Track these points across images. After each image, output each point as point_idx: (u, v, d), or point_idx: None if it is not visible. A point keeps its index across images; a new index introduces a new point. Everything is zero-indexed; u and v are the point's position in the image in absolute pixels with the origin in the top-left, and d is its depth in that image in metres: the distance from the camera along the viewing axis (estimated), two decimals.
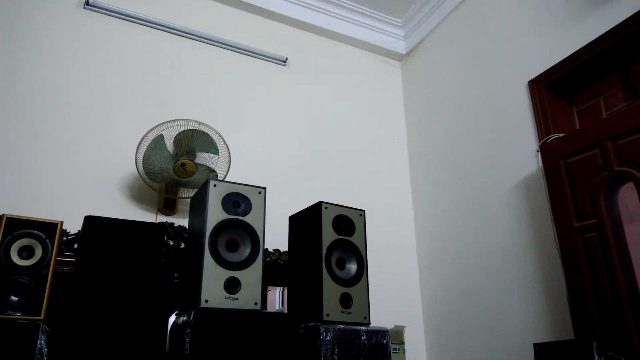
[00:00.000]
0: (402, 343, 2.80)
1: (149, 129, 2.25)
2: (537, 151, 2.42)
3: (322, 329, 1.87)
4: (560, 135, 2.31)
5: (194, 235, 1.97)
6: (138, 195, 2.40)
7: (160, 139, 2.24)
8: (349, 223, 2.17)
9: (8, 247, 1.60)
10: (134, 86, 2.63)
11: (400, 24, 3.63)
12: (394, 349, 2.71)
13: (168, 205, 2.42)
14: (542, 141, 2.38)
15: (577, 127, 2.48)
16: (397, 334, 2.78)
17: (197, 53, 2.89)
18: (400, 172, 3.32)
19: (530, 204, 2.46)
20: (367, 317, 2.05)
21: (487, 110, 2.84)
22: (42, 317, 1.59)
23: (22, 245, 1.63)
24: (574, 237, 2.10)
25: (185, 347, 1.64)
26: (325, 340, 1.86)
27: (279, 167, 2.88)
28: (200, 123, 2.31)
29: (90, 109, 2.47)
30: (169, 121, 2.28)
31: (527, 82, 2.59)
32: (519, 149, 2.56)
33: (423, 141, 3.32)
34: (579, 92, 2.50)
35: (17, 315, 1.55)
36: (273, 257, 2.56)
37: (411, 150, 3.39)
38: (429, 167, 3.21)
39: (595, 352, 1.70)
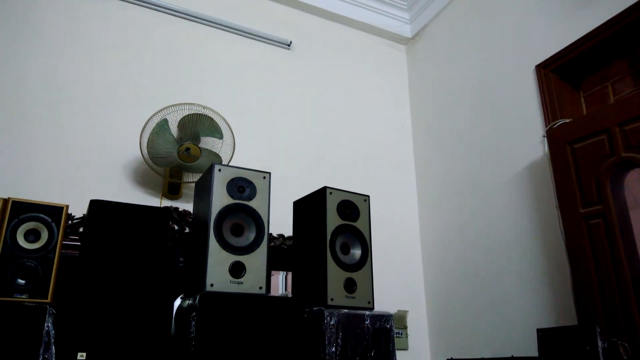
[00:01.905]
0: (405, 328, 2.82)
1: (153, 113, 2.24)
2: (544, 137, 2.40)
3: (326, 314, 1.88)
4: (567, 120, 2.30)
5: (198, 219, 1.97)
6: (142, 179, 2.40)
7: (164, 123, 2.23)
8: (353, 208, 2.17)
9: (14, 230, 1.60)
10: (137, 70, 2.61)
11: (405, 7, 3.58)
12: (397, 333, 2.73)
13: (172, 190, 2.42)
14: (548, 127, 2.36)
15: (584, 112, 2.45)
16: (400, 319, 2.80)
17: (201, 36, 2.86)
18: (404, 157, 3.31)
19: (536, 190, 2.45)
20: (371, 301, 2.06)
21: (493, 96, 2.81)
22: (48, 300, 1.60)
23: (28, 228, 1.63)
24: (579, 223, 2.09)
25: (191, 330, 1.65)
26: (330, 325, 1.87)
27: (283, 152, 2.87)
28: (204, 107, 2.30)
29: (94, 93, 2.46)
30: (173, 105, 2.26)
31: (534, 67, 2.56)
32: (525, 134, 2.54)
33: (428, 126, 3.30)
34: (587, 77, 2.47)
35: (24, 298, 1.56)
36: (277, 242, 2.57)
37: (416, 135, 3.38)
38: (433, 152, 3.20)
39: (598, 338, 1.70)
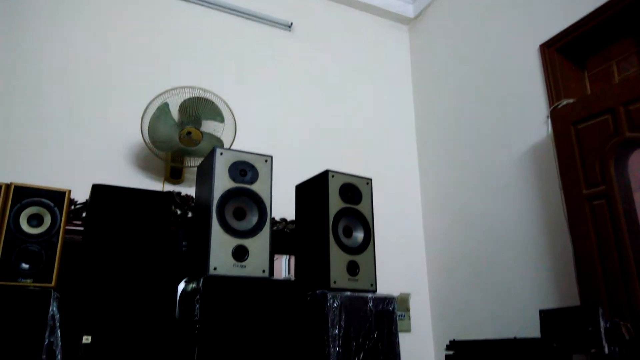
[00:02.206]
0: (408, 310, 2.84)
1: (153, 96, 2.23)
2: (547, 117, 2.38)
3: (329, 296, 1.89)
4: (571, 100, 2.27)
5: (201, 203, 1.97)
6: (144, 164, 2.40)
7: (165, 107, 2.21)
8: (355, 191, 2.17)
9: (17, 215, 1.61)
10: (137, 53, 2.58)
11: None
12: (399, 315, 2.75)
13: (175, 174, 2.42)
14: (552, 107, 2.34)
15: (589, 92, 2.43)
16: (403, 302, 2.82)
17: (201, 18, 2.83)
18: (407, 139, 3.29)
19: (539, 172, 2.44)
20: (374, 284, 2.07)
21: (496, 76, 2.78)
22: (53, 284, 1.61)
23: (31, 213, 1.64)
24: (582, 204, 2.08)
25: (195, 313, 1.66)
26: (333, 307, 1.88)
27: (284, 135, 2.85)
28: (205, 90, 2.28)
29: (94, 77, 2.44)
30: (173, 89, 2.25)
31: (538, 46, 2.52)
32: (528, 115, 2.52)
33: (430, 107, 3.27)
34: (592, 56, 2.44)
35: (28, 282, 1.57)
36: (280, 226, 2.57)
37: (418, 116, 3.35)
38: (436, 135, 3.18)
39: (601, 318, 1.71)
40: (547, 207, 2.36)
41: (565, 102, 2.30)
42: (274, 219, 2.51)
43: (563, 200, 2.19)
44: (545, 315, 1.91)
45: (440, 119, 3.17)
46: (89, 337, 1.56)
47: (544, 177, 2.40)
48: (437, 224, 3.02)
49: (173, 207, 2.28)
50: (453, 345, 2.28)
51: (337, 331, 1.85)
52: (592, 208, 2.05)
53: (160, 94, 2.23)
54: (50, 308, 1.54)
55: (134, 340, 1.64)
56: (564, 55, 2.46)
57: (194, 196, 2.28)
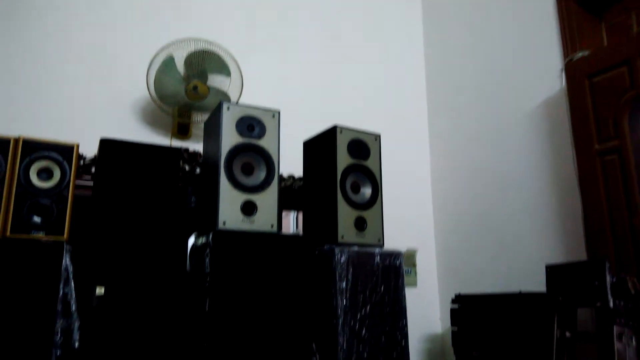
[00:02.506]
0: (414, 265, 2.88)
1: (158, 49, 2.19)
2: (562, 70, 2.32)
3: (337, 251, 1.91)
4: (587, 52, 2.21)
5: (209, 159, 1.97)
6: (152, 119, 2.38)
7: (170, 61, 2.17)
8: (364, 147, 2.15)
9: (27, 169, 1.61)
10: (143, 4, 2.52)
11: None
12: (405, 271, 2.79)
13: (182, 130, 2.41)
14: (567, 59, 2.28)
15: (606, 44, 2.35)
16: (410, 257, 2.85)
17: None
18: (416, 94, 3.24)
19: (551, 126, 2.40)
20: (381, 239, 2.09)
21: (510, 27, 2.69)
22: (65, 237, 1.63)
23: (40, 167, 1.64)
24: (593, 159, 2.06)
25: (205, 266, 1.69)
26: (340, 261, 1.90)
27: (292, 91, 2.81)
28: (210, 43, 2.23)
29: (98, 30, 2.39)
30: (178, 41, 2.20)
31: None
32: (542, 68, 2.46)
33: (441, 61, 3.20)
34: (609, 7, 2.35)
35: (41, 235, 1.59)
36: (288, 183, 2.57)
37: (429, 71, 3.28)
38: (446, 89, 3.12)
39: (607, 273, 1.72)
40: (557, 163, 2.34)
41: (580, 54, 2.23)
42: (281, 175, 2.51)
43: (574, 155, 2.17)
44: (552, 270, 1.93)
45: (451, 73, 3.10)
46: (103, 288, 1.59)
47: (555, 133, 2.37)
48: (445, 179, 3.01)
49: (181, 163, 2.28)
50: (458, 299, 2.32)
51: (344, 284, 1.88)
52: (604, 163, 2.03)
53: (165, 47, 2.19)
54: (64, 260, 1.57)
55: (146, 291, 1.68)
56: (581, 5, 2.37)
57: (201, 152, 2.28)
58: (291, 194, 2.56)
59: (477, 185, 2.78)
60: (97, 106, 2.30)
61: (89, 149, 2.06)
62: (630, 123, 1.98)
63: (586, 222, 2.09)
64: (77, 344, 1.51)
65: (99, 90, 2.32)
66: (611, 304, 1.68)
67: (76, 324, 1.53)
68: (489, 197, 2.70)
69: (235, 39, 2.64)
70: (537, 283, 2.09)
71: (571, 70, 2.22)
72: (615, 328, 1.65)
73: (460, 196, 2.88)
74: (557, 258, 2.24)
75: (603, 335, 1.74)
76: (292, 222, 2.80)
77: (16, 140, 1.63)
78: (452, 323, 2.30)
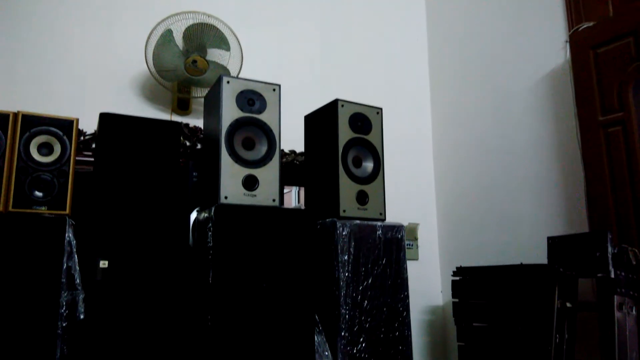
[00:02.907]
0: (416, 239, 2.89)
1: (156, 22, 2.16)
2: (566, 42, 2.29)
3: (338, 224, 1.91)
4: (592, 24, 2.17)
5: (209, 133, 1.96)
6: (151, 95, 2.37)
7: (168, 34, 2.15)
8: (365, 121, 2.14)
9: (27, 143, 1.61)
10: None
11: None
12: (407, 244, 2.80)
13: (182, 105, 2.39)
14: (572, 30, 2.24)
15: (611, 14, 2.31)
16: (411, 231, 2.86)
17: None
18: (419, 67, 3.20)
19: (554, 99, 2.37)
20: (383, 213, 2.09)
21: None
22: (67, 211, 1.64)
23: (40, 142, 1.64)
24: (597, 131, 2.05)
25: (208, 240, 1.69)
26: (342, 235, 1.91)
27: (292, 65, 2.78)
28: (209, 16, 2.20)
29: (98, 3, 2.36)
30: (176, 14, 2.17)
31: None
32: (547, 39, 2.42)
33: (443, 33, 3.15)
34: None
35: (43, 209, 1.60)
36: (289, 158, 2.57)
37: (431, 44, 3.23)
38: (449, 62, 3.08)
39: (609, 244, 1.72)
40: (560, 136, 2.33)
41: (585, 25, 2.19)
42: (283, 150, 2.50)
43: (577, 127, 2.15)
44: (553, 242, 1.93)
45: (453, 45, 3.06)
46: (106, 262, 1.60)
47: (559, 105, 2.34)
48: (447, 153, 3.00)
49: (182, 138, 2.27)
50: (460, 271, 2.33)
51: (346, 257, 1.89)
52: (607, 135, 2.01)
53: (163, 20, 2.16)
54: (66, 234, 1.58)
55: (150, 265, 1.69)
56: None
57: (202, 128, 2.27)
58: (293, 170, 2.56)
59: (479, 159, 2.77)
60: (96, 82, 2.28)
61: (89, 126, 2.05)
62: (634, 94, 1.96)
63: (589, 195, 2.09)
64: (82, 316, 1.53)
65: (99, 66, 2.30)
66: (612, 275, 1.69)
67: (81, 297, 1.55)
68: (491, 171, 2.69)
69: (235, 12, 2.60)
70: (539, 256, 2.10)
71: (576, 41, 2.19)
72: (615, 298, 1.67)
73: (462, 170, 2.87)
74: (560, 231, 2.24)
75: (603, 305, 1.76)
76: (294, 198, 2.80)
77: (15, 115, 1.62)
78: (453, 295, 2.32)
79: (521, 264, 2.07)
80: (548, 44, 2.42)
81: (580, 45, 2.16)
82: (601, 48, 2.08)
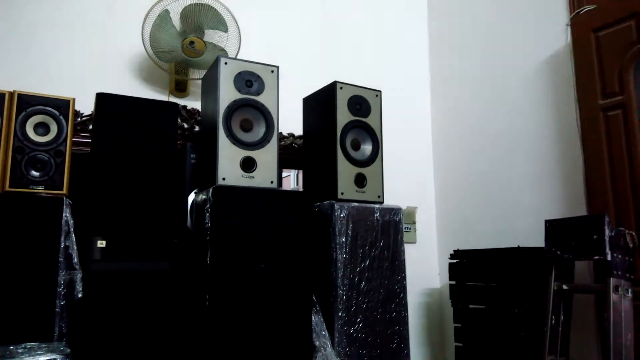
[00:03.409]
0: (414, 223, 2.89)
1: (153, 3, 2.13)
2: (567, 25, 2.27)
3: (336, 206, 1.92)
4: (594, 6, 2.15)
5: (207, 115, 1.95)
6: (148, 76, 2.35)
7: (165, 14, 2.12)
8: (364, 104, 2.13)
9: (23, 123, 1.60)
10: None
11: None
12: (405, 228, 2.80)
13: (179, 87, 2.37)
14: (573, 14, 2.22)
15: None
16: (409, 215, 2.86)
17: None
18: (418, 50, 3.17)
19: (555, 83, 2.36)
20: (381, 196, 2.09)
21: None
22: (64, 191, 1.63)
23: (37, 122, 1.63)
24: (597, 114, 2.04)
25: (206, 221, 1.70)
26: (340, 217, 1.91)
27: (291, 46, 2.75)
28: None
29: None
30: None
31: None
32: (548, 23, 2.40)
33: (444, 15, 3.12)
34: None
35: (40, 189, 1.60)
36: (288, 141, 2.56)
37: (431, 26, 3.20)
38: (449, 46, 3.05)
39: (606, 227, 1.73)
40: (560, 119, 2.32)
41: (587, 8, 2.17)
42: (281, 133, 2.49)
43: (577, 111, 2.15)
44: (551, 225, 1.94)
45: (453, 28, 3.03)
46: (104, 242, 1.60)
47: (559, 89, 2.33)
48: (446, 137, 2.99)
49: (180, 120, 2.26)
50: (457, 254, 2.34)
51: (343, 239, 1.90)
52: (607, 119, 2.01)
53: (160, 0, 2.13)
54: (64, 214, 1.58)
55: (147, 245, 1.69)
56: None
57: (200, 110, 2.25)
58: (291, 152, 2.55)
59: (478, 142, 2.76)
60: (93, 64, 2.25)
61: (86, 107, 2.04)
62: (635, 78, 1.95)
63: (587, 178, 2.09)
64: (80, 295, 1.53)
65: (96, 47, 2.27)
66: (609, 257, 1.70)
67: (78, 276, 1.55)
68: (489, 154, 2.69)
69: None
70: (536, 239, 2.10)
71: (577, 24, 2.17)
72: (611, 280, 1.68)
73: (461, 153, 2.87)
74: (558, 214, 2.24)
75: (600, 288, 1.77)
76: (292, 182, 2.80)
77: (11, 94, 1.61)
78: (451, 277, 2.34)
79: (518, 246, 2.08)
80: (549, 27, 2.40)
81: (581, 28, 2.14)
82: (602, 31, 2.07)
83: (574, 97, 2.19)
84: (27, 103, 1.61)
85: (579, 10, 2.21)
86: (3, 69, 2.08)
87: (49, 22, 2.21)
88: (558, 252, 1.87)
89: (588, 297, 2.06)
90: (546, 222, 1.96)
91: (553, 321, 1.86)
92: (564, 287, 1.87)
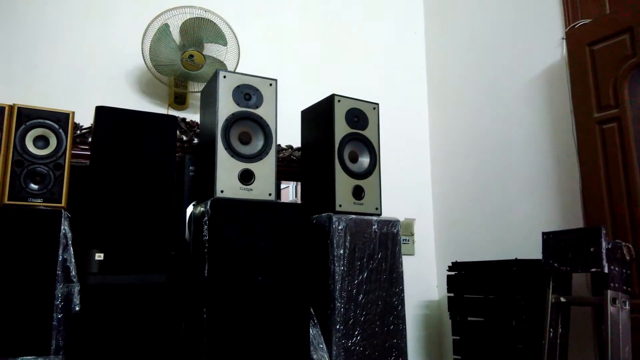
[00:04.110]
0: (412, 235, 2.89)
1: (153, 17, 2.15)
2: (562, 39, 2.29)
3: (334, 218, 1.92)
4: (589, 20, 2.18)
5: (206, 128, 1.96)
6: (147, 89, 2.36)
7: (165, 29, 2.14)
8: (362, 116, 2.15)
9: (23, 136, 1.61)
10: None
11: None
12: (403, 240, 2.80)
13: (179, 100, 2.39)
14: (568, 28, 2.25)
15: (608, 12, 2.31)
16: (407, 226, 2.86)
17: None
18: (416, 63, 3.20)
19: (551, 96, 2.38)
20: (379, 208, 2.10)
21: None
22: (63, 204, 1.64)
23: (36, 135, 1.64)
24: (592, 128, 2.06)
25: (204, 233, 1.70)
26: (338, 229, 1.92)
27: (289, 60, 2.78)
28: (206, 10, 2.19)
29: None
30: (173, 8, 2.16)
31: None
32: (543, 37, 2.43)
33: (441, 30, 3.15)
34: None
35: (39, 202, 1.60)
36: (286, 153, 2.57)
37: (429, 40, 3.24)
38: (446, 58, 3.08)
39: (603, 239, 1.73)
40: (556, 132, 2.33)
41: (581, 22, 2.20)
42: (279, 145, 2.51)
43: (573, 124, 2.16)
44: (548, 237, 1.94)
45: (450, 41, 3.06)
46: (102, 254, 1.61)
47: (555, 101, 2.35)
48: (444, 149, 3.01)
49: (179, 133, 2.27)
50: (455, 266, 2.34)
51: (342, 251, 1.90)
52: (603, 132, 2.02)
53: (160, 14, 2.15)
54: (62, 227, 1.58)
55: (144, 259, 1.69)
56: None
57: (199, 122, 2.27)
58: (290, 165, 2.56)
59: (475, 155, 2.78)
60: (93, 77, 2.27)
61: (85, 119, 2.05)
62: (630, 91, 1.97)
63: (584, 190, 2.10)
64: (77, 308, 1.53)
65: (95, 60, 2.29)
66: (606, 270, 1.70)
67: (76, 289, 1.55)
68: (487, 166, 2.70)
69: (232, 7, 2.59)
70: (534, 251, 2.11)
71: (572, 38, 2.20)
72: (609, 292, 1.68)
73: (459, 166, 2.88)
74: (555, 226, 2.25)
75: (597, 300, 1.77)
76: (291, 193, 2.81)
77: (11, 108, 1.62)
78: (449, 289, 2.33)
79: (516, 259, 2.08)
80: (544, 41, 2.42)
81: (576, 42, 2.17)
82: (597, 45, 2.09)
83: (570, 110, 2.20)
84: (27, 116, 1.62)
85: (573, 24, 2.24)
86: (3, 81, 2.10)
87: (49, 35, 2.23)
88: (555, 265, 1.88)
89: (586, 309, 2.06)
90: (543, 234, 1.97)
91: (551, 334, 1.86)
92: (562, 299, 1.87)
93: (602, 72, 2.05)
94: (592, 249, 1.76)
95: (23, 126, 1.61)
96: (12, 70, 2.14)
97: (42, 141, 1.64)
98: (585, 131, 2.09)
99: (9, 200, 1.57)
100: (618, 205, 1.94)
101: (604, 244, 1.73)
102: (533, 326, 1.97)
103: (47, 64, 2.20)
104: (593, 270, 1.75)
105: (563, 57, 2.30)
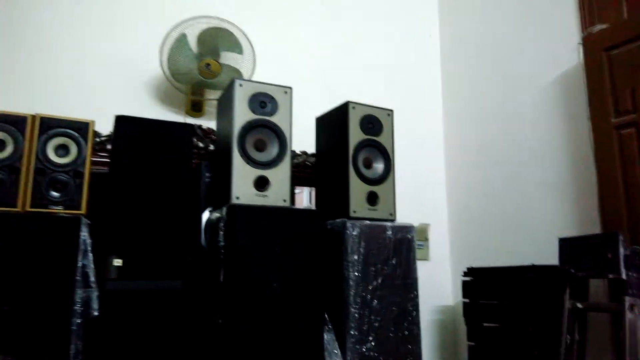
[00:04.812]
0: (427, 240, 2.89)
1: (171, 27, 2.20)
2: (579, 44, 2.28)
3: (349, 224, 1.93)
4: (605, 26, 2.16)
5: (222, 135, 1.99)
6: (165, 97, 2.41)
7: (183, 39, 2.18)
8: (376, 123, 2.15)
9: (44, 145, 1.65)
10: None
11: None
12: (418, 245, 2.79)
13: (195, 108, 2.43)
14: (585, 33, 2.23)
15: (626, 17, 2.29)
16: (422, 232, 2.86)
17: None
18: (431, 69, 3.20)
19: (567, 101, 2.36)
20: (393, 214, 2.10)
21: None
22: (83, 211, 1.68)
23: (57, 144, 1.68)
24: (609, 133, 2.04)
25: (219, 239, 1.72)
26: (352, 235, 1.92)
27: (304, 67, 2.80)
28: (222, 20, 2.23)
29: (114, 8, 2.40)
30: (190, 19, 2.21)
31: None
32: (560, 42, 2.41)
33: (456, 35, 3.15)
34: None
35: (59, 209, 1.64)
36: (300, 159, 2.59)
37: (443, 45, 3.23)
38: (461, 63, 3.08)
39: (620, 245, 1.71)
40: (573, 138, 2.31)
41: (598, 27, 2.18)
42: (294, 151, 2.53)
43: (590, 130, 2.14)
44: (565, 243, 1.92)
45: (465, 48, 3.06)
46: (120, 261, 1.64)
47: (571, 107, 2.33)
48: (459, 154, 3.00)
49: (195, 140, 2.31)
50: (471, 271, 2.33)
51: (356, 257, 1.90)
52: (620, 137, 2.01)
53: (178, 25, 2.20)
54: (82, 233, 1.62)
55: (163, 264, 1.72)
56: None
57: (215, 129, 2.30)
58: (304, 170, 2.58)
59: (491, 160, 2.76)
60: (112, 86, 2.32)
61: (104, 127, 2.09)
62: None
63: (601, 196, 2.07)
64: (95, 313, 1.56)
65: (114, 70, 2.34)
66: (624, 276, 1.68)
67: (95, 294, 1.58)
68: (502, 172, 2.68)
69: (248, 16, 2.63)
70: (550, 257, 2.08)
71: (589, 43, 2.18)
72: (627, 299, 1.65)
73: (474, 171, 2.87)
74: (571, 232, 2.22)
75: (615, 307, 1.74)
76: (305, 199, 2.82)
77: (33, 118, 1.66)
78: (464, 295, 2.32)
79: (532, 264, 2.06)
80: (561, 45, 2.41)
81: (593, 47, 2.15)
82: (614, 50, 2.08)
83: (587, 115, 2.18)
84: (49, 126, 1.67)
85: (590, 29, 2.22)
86: (26, 92, 2.16)
87: (69, 46, 2.29)
88: (572, 271, 1.86)
89: (604, 316, 2.03)
90: (560, 240, 1.95)
91: (568, 340, 1.83)
92: (579, 305, 1.85)
93: (619, 78, 2.04)
94: (609, 255, 1.73)
95: (45, 135, 1.66)
96: (33, 81, 2.20)
97: (62, 150, 1.69)
98: (602, 136, 2.07)
99: (30, 207, 1.61)
100: (635, 210, 1.92)
101: (621, 250, 1.71)
102: (549, 333, 1.95)
103: (68, 75, 2.26)
104: (610, 276, 1.73)
105: (580, 62, 2.28)
